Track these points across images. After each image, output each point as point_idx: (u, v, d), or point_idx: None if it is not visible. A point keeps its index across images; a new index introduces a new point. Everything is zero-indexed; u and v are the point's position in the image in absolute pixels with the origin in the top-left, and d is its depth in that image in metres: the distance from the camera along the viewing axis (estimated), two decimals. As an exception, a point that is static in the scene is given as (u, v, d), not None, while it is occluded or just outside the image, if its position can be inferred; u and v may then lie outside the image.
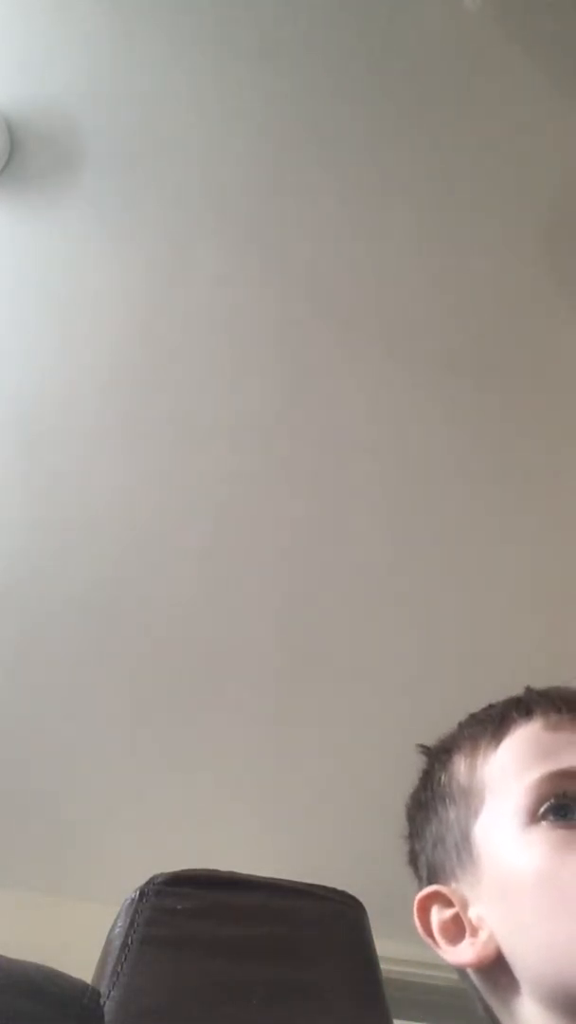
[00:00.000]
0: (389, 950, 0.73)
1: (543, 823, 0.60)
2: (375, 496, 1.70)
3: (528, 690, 0.71)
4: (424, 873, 0.70)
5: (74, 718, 1.90)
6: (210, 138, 1.45)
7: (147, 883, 0.75)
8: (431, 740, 0.74)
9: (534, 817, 0.61)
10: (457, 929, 0.64)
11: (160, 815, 1.95)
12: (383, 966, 0.77)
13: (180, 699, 1.87)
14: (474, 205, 1.48)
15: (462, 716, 0.72)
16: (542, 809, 0.61)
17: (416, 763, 0.73)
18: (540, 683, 0.73)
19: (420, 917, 0.65)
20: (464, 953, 0.62)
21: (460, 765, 0.69)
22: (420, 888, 0.69)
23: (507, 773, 0.64)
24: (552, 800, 0.61)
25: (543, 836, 0.60)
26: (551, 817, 0.60)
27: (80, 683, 1.87)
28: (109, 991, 0.67)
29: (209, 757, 1.91)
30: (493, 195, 1.47)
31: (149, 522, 1.74)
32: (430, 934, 0.65)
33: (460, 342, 1.58)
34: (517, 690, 0.72)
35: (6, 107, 1.42)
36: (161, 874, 0.76)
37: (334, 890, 0.81)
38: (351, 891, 0.81)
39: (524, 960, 0.60)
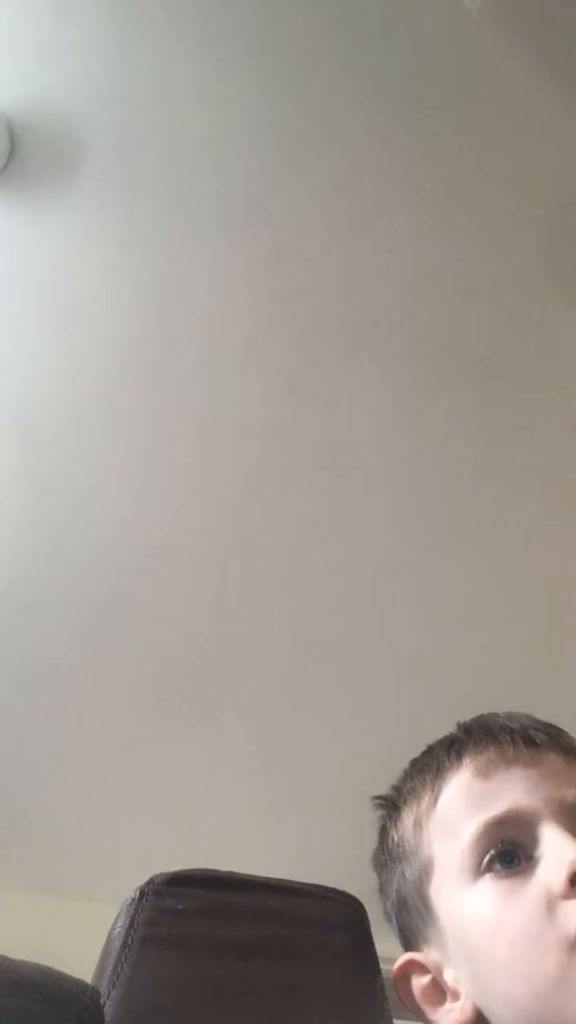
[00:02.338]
0: (389, 950, 0.73)
1: (487, 875, 0.60)
2: (377, 496, 1.70)
3: (459, 728, 0.70)
4: (397, 935, 0.69)
5: (75, 718, 1.90)
6: (210, 138, 1.45)
7: (147, 883, 0.75)
8: (427, 741, 0.73)
9: (478, 871, 0.60)
10: (438, 993, 0.63)
11: (160, 815, 1.95)
12: (383, 966, 0.77)
13: (180, 699, 1.87)
14: (476, 205, 1.48)
15: (464, 716, 0.71)
16: (484, 861, 0.60)
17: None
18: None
19: (400, 987, 0.65)
20: (443, 1021, 0.62)
21: (408, 824, 0.68)
22: (400, 942, 0.69)
23: (448, 832, 0.64)
24: (492, 851, 0.60)
25: (488, 889, 0.60)
26: (496, 866, 0.60)
27: (81, 683, 1.87)
28: (109, 991, 0.67)
29: (209, 757, 1.91)
30: (495, 195, 1.47)
31: (150, 522, 1.74)
32: (413, 1002, 0.64)
33: (462, 341, 1.58)
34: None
35: (6, 107, 1.42)
36: (161, 874, 0.76)
37: (334, 890, 0.81)
38: (351, 891, 0.81)
39: (496, 1019, 0.59)
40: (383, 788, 0.74)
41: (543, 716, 0.69)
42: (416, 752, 0.73)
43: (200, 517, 1.73)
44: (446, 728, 0.72)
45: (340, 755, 1.87)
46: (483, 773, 0.64)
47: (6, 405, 1.66)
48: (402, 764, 0.73)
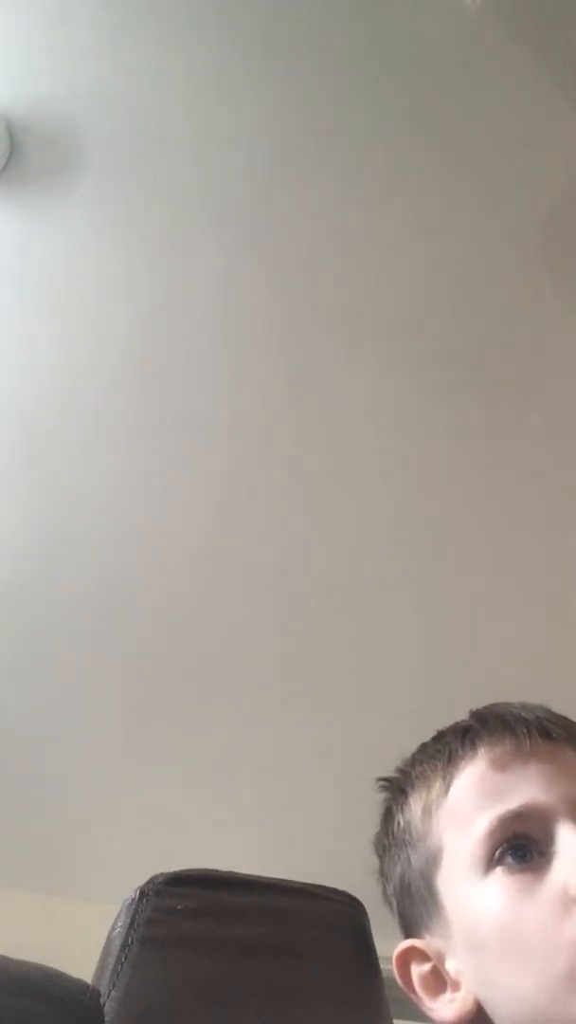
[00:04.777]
0: (389, 950, 0.73)
1: (498, 869, 0.59)
2: (375, 496, 1.70)
3: (473, 716, 0.69)
4: (398, 920, 0.69)
5: (75, 718, 1.90)
6: (211, 137, 1.45)
7: (147, 883, 0.75)
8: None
9: (490, 864, 0.60)
10: (438, 982, 0.63)
11: (160, 815, 1.95)
12: (383, 966, 0.77)
13: (180, 699, 1.87)
14: (475, 205, 1.48)
15: (463, 716, 0.71)
16: (496, 854, 0.60)
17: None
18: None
19: (400, 973, 0.65)
20: (443, 1011, 0.61)
21: (416, 810, 0.67)
22: (400, 927, 0.68)
23: (459, 822, 0.63)
24: (504, 845, 0.60)
25: (500, 883, 0.59)
26: (508, 860, 0.59)
27: (80, 683, 1.87)
28: (109, 991, 0.67)
29: (209, 757, 1.91)
30: (494, 194, 1.47)
31: (149, 522, 1.74)
32: (412, 990, 0.64)
33: (461, 342, 1.58)
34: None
35: (6, 107, 1.42)
36: (161, 874, 0.76)
37: (334, 890, 0.81)
38: (351, 891, 0.81)
39: (499, 1014, 0.59)
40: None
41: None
42: (414, 751, 0.73)
43: (199, 517, 1.73)
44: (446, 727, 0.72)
45: (340, 755, 1.87)
46: (499, 765, 0.63)
47: (5, 404, 1.66)
48: (402, 764, 0.73)
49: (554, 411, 1.63)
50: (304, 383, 1.62)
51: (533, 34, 1.34)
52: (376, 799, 0.74)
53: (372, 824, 0.74)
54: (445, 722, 0.72)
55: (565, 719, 0.67)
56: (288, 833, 1.94)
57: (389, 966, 0.68)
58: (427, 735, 0.73)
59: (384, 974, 0.77)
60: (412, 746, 0.73)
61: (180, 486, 1.71)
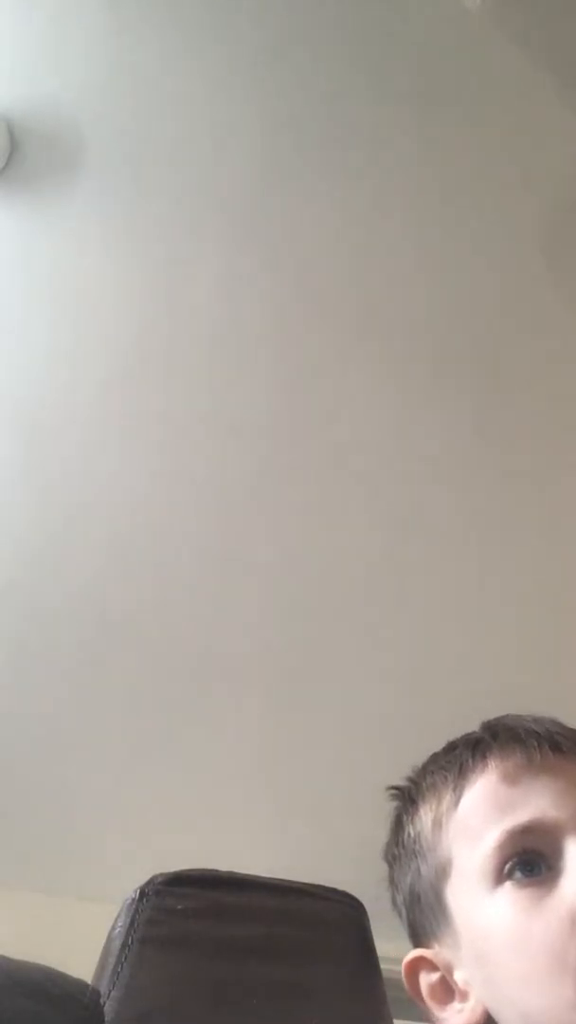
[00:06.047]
0: (389, 950, 0.73)
1: (508, 883, 0.59)
2: (374, 496, 1.70)
3: (483, 728, 0.69)
4: (407, 928, 0.69)
5: (75, 717, 1.90)
6: (210, 137, 1.45)
7: (147, 883, 0.75)
8: (427, 741, 0.73)
9: (499, 878, 0.60)
10: (446, 992, 0.63)
11: (160, 815, 1.95)
12: (383, 966, 0.77)
13: (180, 699, 1.87)
14: (474, 206, 1.48)
15: (462, 715, 0.71)
16: (506, 868, 0.60)
17: (416, 761, 0.73)
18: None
19: (409, 982, 0.65)
20: (452, 1020, 0.62)
21: (426, 821, 0.68)
22: (408, 935, 0.69)
23: (469, 835, 0.63)
24: (514, 859, 0.60)
25: (509, 897, 0.59)
26: (517, 874, 0.59)
27: (80, 681, 1.87)
28: (109, 991, 0.67)
29: (209, 757, 1.91)
30: (493, 196, 1.47)
31: (148, 520, 1.74)
32: (421, 999, 0.64)
33: (459, 342, 1.58)
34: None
35: (6, 107, 1.42)
36: (161, 874, 0.76)
37: (334, 890, 0.81)
38: (351, 891, 0.81)
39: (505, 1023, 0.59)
40: (383, 788, 0.74)
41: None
42: (416, 752, 0.73)
43: (201, 516, 1.73)
44: (447, 728, 0.72)
45: (340, 755, 1.87)
46: (509, 778, 0.63)
47: (7, 404, 1.66)
48: (402, 763, 0.73)
49: (555, 411, 1.63)
50: (303, 382, 1.62)
51: (533, 34, 1.34)
52: (376, 800, 0.74)
53: (372, 824, 0.74)
54: (444, 723, 0.72)
55: (574, 731, 0.67)
56: (288, 833, 1.94)
57: (389, 966, 0.68)
58: (426, 735, 0.73)
59: (384, 974, 0.77)
60: (412, 746, 0.73)
61: (180, 484, 1.71)
